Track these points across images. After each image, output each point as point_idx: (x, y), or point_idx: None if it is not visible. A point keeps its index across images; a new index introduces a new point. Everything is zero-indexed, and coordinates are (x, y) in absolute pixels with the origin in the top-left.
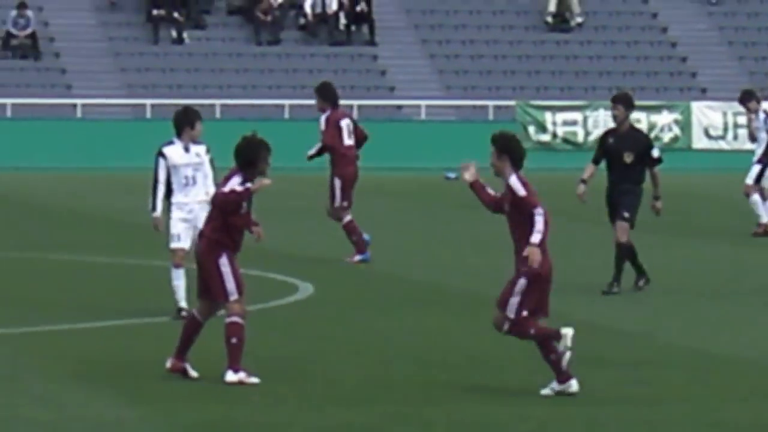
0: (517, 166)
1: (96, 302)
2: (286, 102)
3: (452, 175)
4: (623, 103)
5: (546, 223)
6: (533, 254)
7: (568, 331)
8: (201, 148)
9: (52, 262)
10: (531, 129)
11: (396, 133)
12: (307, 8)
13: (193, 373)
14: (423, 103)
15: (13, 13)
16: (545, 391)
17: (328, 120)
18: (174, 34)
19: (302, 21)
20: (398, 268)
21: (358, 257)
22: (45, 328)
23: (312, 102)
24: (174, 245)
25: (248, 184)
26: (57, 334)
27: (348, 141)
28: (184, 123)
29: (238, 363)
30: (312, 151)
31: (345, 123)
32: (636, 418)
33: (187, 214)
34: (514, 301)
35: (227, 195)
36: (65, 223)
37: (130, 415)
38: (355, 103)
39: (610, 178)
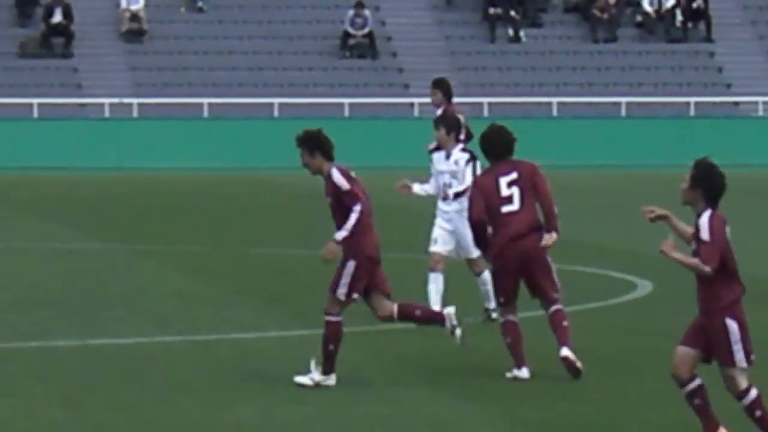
0: (330, 158)
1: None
2: (623, 99)
3: None
4: None
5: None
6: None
7: (450, 310)
8: (461, 156)
9: None
10: None
11: (733, 130)
12: (645, 5)
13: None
14: (760, 99)
15: (351, 12)
16: (301, 380)
17: None
18: (510, 32)
19: (639, 18)
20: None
21: None
22: (381, 327)
23: (653, 99)
24: (431, 248)
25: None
26: (393, 332)
27: (461, 137)
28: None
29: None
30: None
31: (462, 119)
32: None
33: (446, 223)
34: (344, 282)
35: None
36: (391, 221)
37: (471, 412)
38: (692, 100)
39: None
